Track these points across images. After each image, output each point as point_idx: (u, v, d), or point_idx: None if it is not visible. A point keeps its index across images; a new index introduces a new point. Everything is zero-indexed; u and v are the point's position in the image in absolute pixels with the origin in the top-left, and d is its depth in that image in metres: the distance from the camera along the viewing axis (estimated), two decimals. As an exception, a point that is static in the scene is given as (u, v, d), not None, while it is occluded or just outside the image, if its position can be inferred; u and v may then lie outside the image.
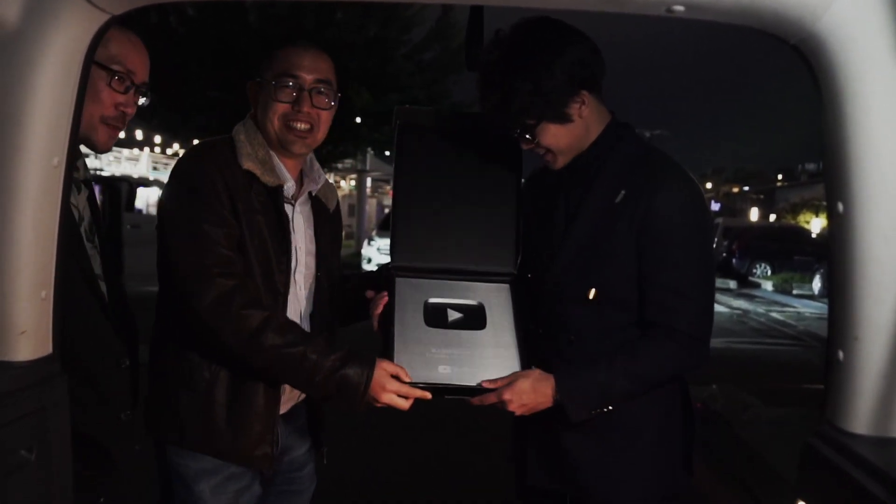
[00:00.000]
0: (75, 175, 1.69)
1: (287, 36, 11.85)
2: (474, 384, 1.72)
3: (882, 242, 1.20)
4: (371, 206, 33.46)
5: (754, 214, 40.85)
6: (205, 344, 1.76)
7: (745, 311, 14.10)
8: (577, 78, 1.73)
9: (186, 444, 1.81)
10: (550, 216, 1.88)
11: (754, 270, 20.61)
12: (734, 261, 20.57)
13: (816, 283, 17.43)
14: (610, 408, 1.74)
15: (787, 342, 10.57)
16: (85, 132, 1.66)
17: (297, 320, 1.85)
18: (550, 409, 1.72)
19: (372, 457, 4.55)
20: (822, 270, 17.00)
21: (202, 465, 1.81)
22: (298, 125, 1.82)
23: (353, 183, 32.26)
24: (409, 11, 16.02)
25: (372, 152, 23.17)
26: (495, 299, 1.88)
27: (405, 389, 1.69)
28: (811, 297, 16.85)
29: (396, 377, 1.69)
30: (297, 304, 1.88)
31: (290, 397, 1.90)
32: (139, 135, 35.23)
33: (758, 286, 19.62)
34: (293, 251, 1.85)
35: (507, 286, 1.91)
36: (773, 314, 13.89)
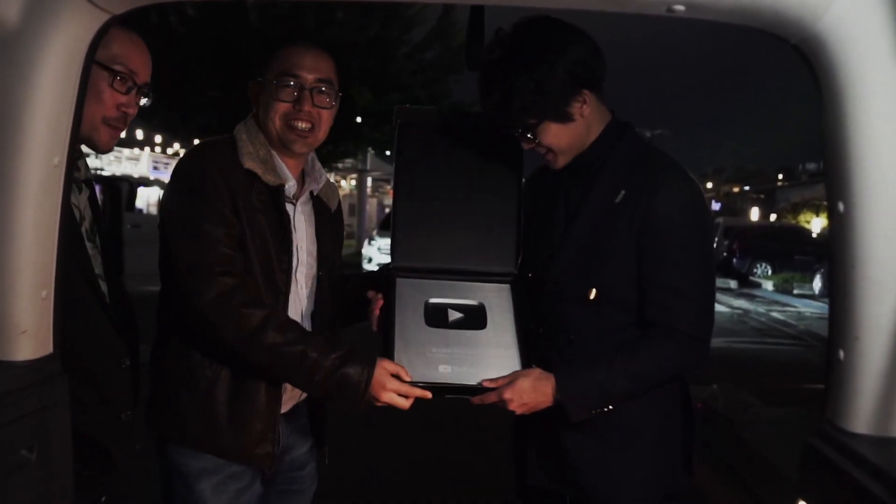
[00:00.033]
0: (76, 175, 1.69)
1: (288, 36, 11.86)
2: (475, 383, 1.72)
3: (883, 242, 1.20)
4: (372, 205, 33.48)
5: (755, 214, 40.85)
6: (206, 342, 1.76)
7: (746, 311, 14.10)
8: (578, 77, 1.73)
9: (187, 442, 1.81)
10: (550, 216, 1.88)
11: (755, 270, 20.61)
12: (735, 260, 20.57)
13: (817, 283, 17.42)
14: (610, 408, 1.74)
15: (787, 342, 10.57)
16: (87, 132, 1.66)
17: (299, 319, 1.85)
18: (550, 408, 1.72)
19: (372, 456, 4.55)
20: (822, 270, 17.00)
21: (203, 463, 1.81)
22: (300, 124, 1.82)
23: (353, 182, 32.27)
24: (409, 11, 16.02)
25: (373, 152, 23.20)
26: (496, 299, 1.88)
27: (405, 388, 1.69)
28: (812, 297, 16.85)
29: (397, 376, 1.69)
30: (298, 304, 1.88)
31: (291, 396, 1.90)
32: (140, 134, 35.22)
33: (758, 286, 19.61)
34: (294, 250, 1.86)
35: (507, 286, 1.91)
36: (774, 314, 13.88)
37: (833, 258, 1.29)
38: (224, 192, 1.75)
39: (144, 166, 35.06)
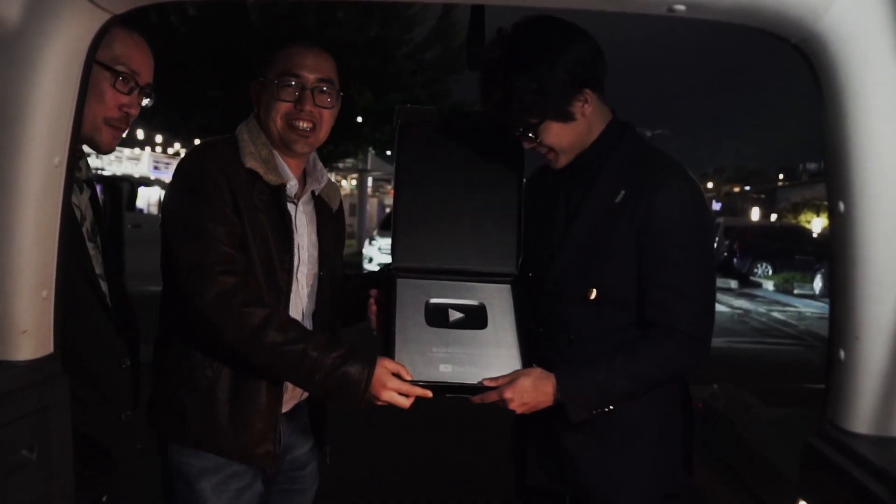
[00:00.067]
0: (77, 175, 1.69)
1: (288, 35, 11.86)
2: (475, 383, 1.72)
3: (883, 242, 1.20)
4: (372, 205, 33.48)
5: (755, 214, 40.83)
6: (207, 342, 1.76)
7: (747, 311, 14.10)
8: (579, 76, 1.73)
9: (188, 441, 1.81)
10: (551, 216, 1.88)
11: (755, 270, 20.60)
12: (735, 260, 20.57)
13: (817, 283, 17.42)
14: (611, 408, 1.74)
15: (788, 342, 10.56)
16: (88, 133, 1.66)
17: (300, 319, 1.85)
18: (551, 408, 1.72)
19: (372, 456, 4.55)
20: (823, 270, 16.99)
21: (204, 463, 1.81)
22: (301, 124, 1.83)
23: (354, 182, 32.28)
24: (410, 11, 16.03)
25: (373, 152, 23.20)
26: (496, 300, 1.88)
27: (406, 387, 1.69)
28: (812, 297, 16.85)
29: (397, 375, 1.69)
30: (300, 303, 1.88)
31: (292, 396, 1.90)
32: (140, 134, 35.22)
33: (759, 286, 19.61)
34: (295, 250, 1.86)
35: (508, 286, 1.91)
36: (775, 314, 13.88)
37: (833, 258, 1.29)
38: (225, 191, 1.75)
39: (145, 166, 35.08)
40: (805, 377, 6.25)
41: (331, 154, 17.73)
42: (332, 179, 2.05)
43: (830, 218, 1.29)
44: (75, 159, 1.44)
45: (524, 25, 1.74)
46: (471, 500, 4.07)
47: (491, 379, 1.72)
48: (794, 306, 15.28)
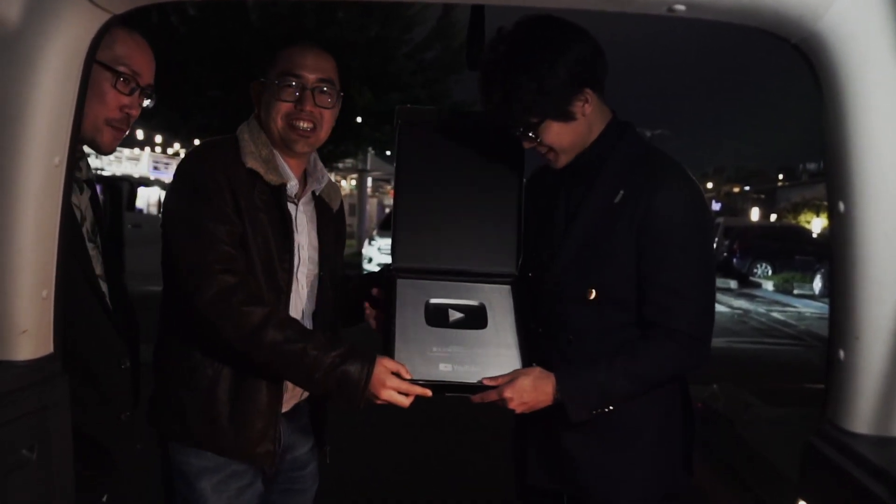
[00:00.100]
0: (78, 175, 1.69)
1: (288, 35, 11.87)
2: (475, 382, 1.72)
3: (883, 242, 1.20)
4: (372, 205, 33.47)
5: (755, 214, 40.83)
6: (207, 341, 1.77)
7: (746, 311, 14.10)
8: (579, 76, 1.73)
9: (189, 441, 1.82)
10: (551, 215, 1.88)
11: (755, 270, 20.60)
12: (735, 260, 20.56)
13: (817, 283, 17.42)
14: (611, 408, 1.74)
15: (787, 342, 10.57)
16: (90, 134, 1.66)
17: (300, 319, 1.86)
18: (551, 408, 1.72)
19: (372, 455, 4.55)
20: (822, 270, 17.00)
21: (204, 462, 1.81)
22: (301, 124, 1.83)
23: (353, 182, 32.27)
24: (410, 11, 16.03)
25: (373, 152, 23.19)
26: (496, 300, 1.88)
27: (405, 386, 1.69)
28: (812, 297, 16.85)
29: (397, 374, 1.69)
30: (300, 303, 1.89)
31: (292, 395, 1.90)
32: (140, 134, 35.21)
33: (759, 286, 19.61)
34: (296, 249, 1.86)
35: (508, 287, 1.91)
36: (774, 314, 13.88)
37: (833, 258, 1.29)
38: (226, 191, 1.75)
39: (145, 166, 35.08)
40: (805, 377, 6.25)
41: (331, 154, 17.73)
42: (332, 179, 2.05)
43: (830, 218, 1.29)
44: (75, 159, 1.44)
45: (524, 25, 1.73)
46: (470, 499, 4.08)
47: (491, 378, 1.72)
48: (794, 306, 15.28)
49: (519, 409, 1.71)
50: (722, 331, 10.41)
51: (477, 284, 1.91)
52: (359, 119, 16.03)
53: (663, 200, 1.72)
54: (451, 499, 4.09)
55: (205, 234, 1.72)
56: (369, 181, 30.19)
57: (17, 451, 1.27)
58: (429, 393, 1.70)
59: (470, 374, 1.73)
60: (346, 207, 2.19)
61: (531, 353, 1.78)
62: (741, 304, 15.28)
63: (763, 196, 52.33)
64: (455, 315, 1.84)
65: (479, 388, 1.72)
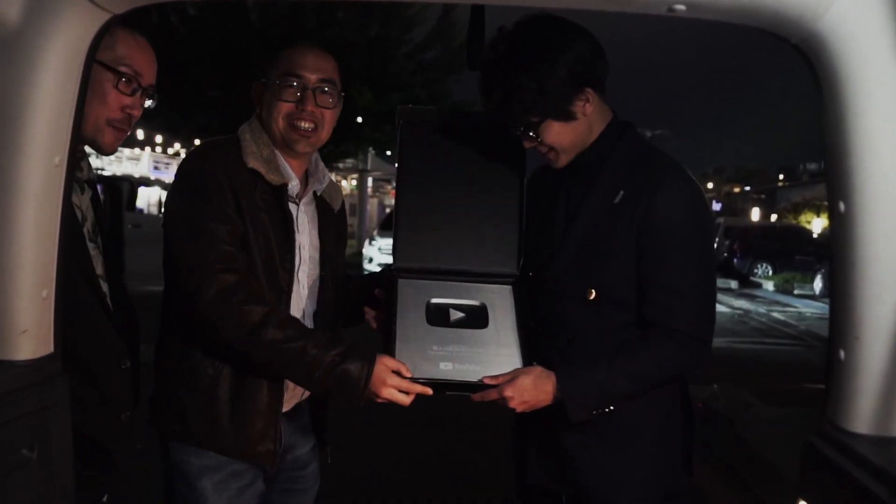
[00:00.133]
0: (79, 175, 1.69)
1: (288, 35, 11.86)
2: (476, 380, 1.72)
3: (884, 242, 1.20)
4: (372, 205, 33.46)
5: (755, 214, 40.83)
6: (208, 340, 1.77)
7: (747, 311, 14.10)
8: (580, 75, 1.72)
9: (189, 440, 1.82)
10: (551, 215, 1.88)
11: (755, 270, 20.60)
12: (735, 261, 20.56)
13: (818, 283, 17.42)
14: (611, 408, 1.74)
15: (788, 342, 10.57)
16: (91, 134, 1.66)
17: (301, 319, 1.86)
18: (551, 408, 1.72)
19: (372, 454, 4.55)
20: (823, 270, 17.00)
21: (205, 461, 1.81)
22: (303, 124, 1.83)
23: (354, 182, 32.27)
24: (410, 11, 16.02)
25: (373, 152, 23.18)
26: (498, 300, 1.88)
27: (406, 385, 1.69)
28: (812, 297, 16.85)
29: (398, 372, 1.69)
30: (300, 303, 1.89)
31: (293, 395, 1.90)
32: (140, 134, 35.21)
33: (759, 286, 19.60)
34: (297, 249, 1.86)
35: (509, 287, 1.91)
36: (775, 314, 13.88)
37: (834, 258, 1.29)
38: (227, 191, 1.75)
39: (145, 166, 35.09)
40: (805, 377, 6.25)
41: (331, 154, 17.72)
42: (333, 180, 2.05)
43: (831, 218, 1.29)
44: (76, 159, 1.44)
45: (524, 24, 1.73)
46: (471, 498, 4.08)
47: (491, 377, 1.72)
48: (794, 306, 15.28)
49: (519, 408, 1.71)
50: (722, 331, 10.40)
51: (478, 284, 1.91)
52: (359, 119, 16.03)
53: (663, 200, 1.72)
54: (452, 498, 4.09)
55: (206, 234, 1.72)
56: (370, 181, 30.18)
57: (17, 451, 1.27)
58: (429, 391, 1.70)
59: (471, 372, 1.73)
60: (346, 207, 2.19)
61: (532, 352, 1.78)
62: (741, 304, 15.28)
63: (763, 196, 52.32)
64: (456, 315, 1.84)
65: (479, 386, 1.72)
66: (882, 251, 1.21)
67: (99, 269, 1.73)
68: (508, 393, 1.69)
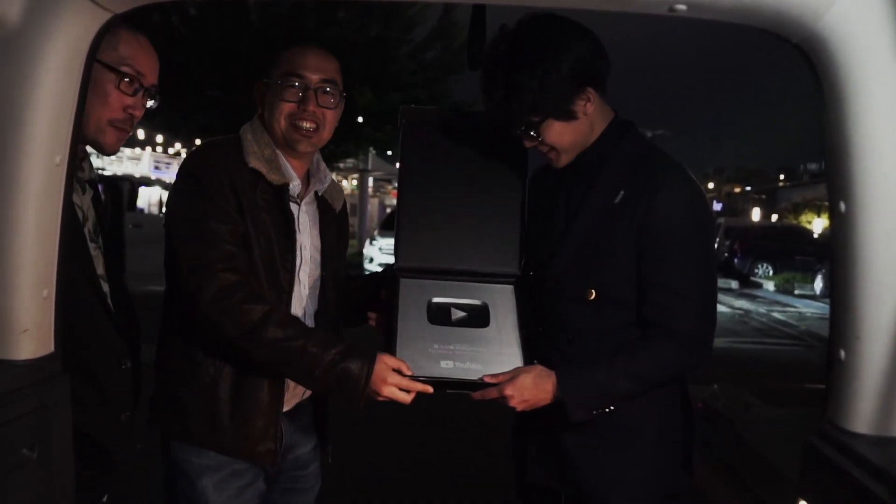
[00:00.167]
0: (80, 175, 1.69)
1: (288, 35, 11.86)
2: (476, 379, 1.72)
3: (884, 241, 1.20)
4: (373, 205, 33.44)
5: (756, 214, 40.81)
6: (209, 340, 1.77)
7: (747, 311, 14.09)
8: (581, 74, 1.72)
9: (190, 439, 1.82)
10: (552, 215, 1.88)
11: (756, 270, 20.59)
12: (736, 261, 20.55)
13: (818, 284, 17.42)
14: (611, 408, 1.74)
15: (788, 342, 10.57)
16: (93, 135, 1.66)
17: (302, 319, 1.86)
18: (551, 407, 1.72)
19: (372, 453, 4.55)
20: (823, 271, 17.00)
21: (205, 460, 1.81)
22: (304, 124, 1.83)
23: (354, 182, 32.27)
24: (410, 11, 16.01)
25: (374, 152, 23.17)
26: (499, 300, 1.89)
27: (406, 383, 1.69)
28: (813, 298, 16.84)
29: (398, 371, 1.69)
30: (301, 303, 1.89)
31: (294, 394, 1.90)
32: (141, 134, 35.20)
33: (759, 286, 19.60)
34: (298, 249, 1.86)
35: (510, 287, 1.91)
36: (775, 314, 13.88)
37: (834, 258, 1.29)
38: (228, 190, 1.76)
39: (146, 166, 35.10)
40: (805, 377, 6.25)
41: (332, 154, 17.71)
42: (335, 180, 2.05)
43: (831, 218, 1.29)
44: (77, 159, 1.44)
45: (526, 23, 1.73)
46: (471, 497, 4.08)
47: (492, 375, 1.72)
48: (795, 307, 15.27)
49: (519, 407, 1.71)
50: (723, 331, 10.40)
51: (480, 284, 1.91)
52: (360, 119, 16.02)
53: (664, 200, 1.72)
54: (452, 496, 4.09)
55: (207, 234, 1.72)
56: (370, 181, 30.15)
57: (17, 451, 1.27)
58: (430, 389, 1.71)
59: (471, 371, 1.73)
60: (347, 207, 2.19)
61: (533, 352, 1.78)
62: (742, 304, 15.27)
63: (764, 196, 52.31)
64: (457, 314, 1.85)
65: (480, 385, 1.72)
66: (883, 251, 1.21)
67: (100, 270, 1.73)
68: (508, 391, 1.69)
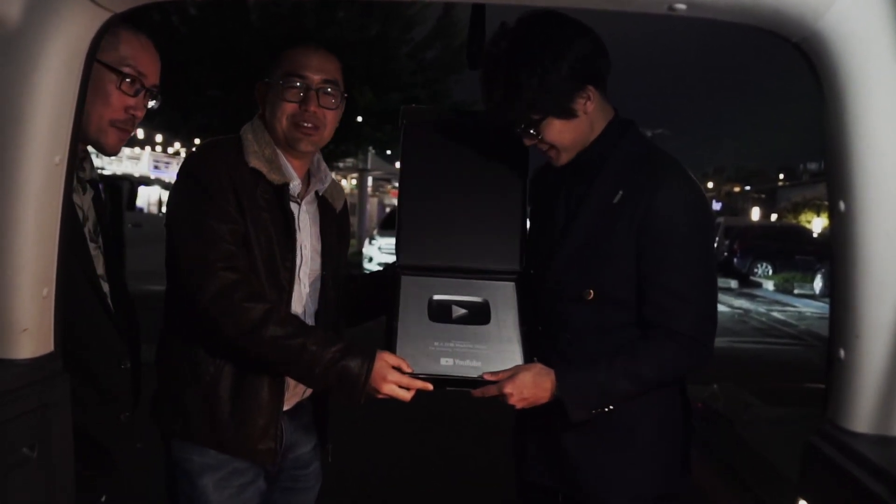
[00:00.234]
0: (81, 175, 1.69)
1: (288, 35, 11.86)
2: (476, 376, 1.72)
3: (884, 241, 1.20)
4: (372, 205, 33.44)
5: (756, 214, 40.81)
6: (209, 339, 1.77)
7: (747, 311, 14.09)
8: (581, 72, 1.72)
9: (191, 438, 1.82)
10: (552, 213, 1.88)
11: (756, 270, 20.60)
12: (736, 260, 20.56)
13: (818, 283, 17.42)
14: (611, 408, 1.73)
15: (788, 341, 10.57)
16: (94, 135, 1.66)
17: (302, 318, 1.86)
18: (551, 406, 1.72)
19: (372, 451, 4.56)
20: (823, 270, 17.00)
21: (206, 459, 1.82)
22: (305, 124, 1.83)
23: (354, 182, 32.25)
24: (410, 10, 16.01)
25: (373, 151, 23.17)
26: (500, 297, 1.89)
27: (406, 380, 1.69)
28: (812, 297, 16.85)
29: (398, 368, 1.70)
30: (302, 302, 1.89)
31: (294, 393, 1.91)
32: (140, 134, 35.17)
33: (759, 286, 19.60)
34: (298, 249, 1.86)
35: (512, 284, 1.91)
36: (775, 314, 13.88)
37: (834, 257, 1.29)
38: (229, 190, 1.76)
39: (145, 165, 35.08)
40: (805, 377, 6.24)
41: (331, 154, 17.69)
42: (335, 179, 2.06)
43: (831, 217, 1.29)
44: (77, 158, 1.44)
45: (526, 21, 1.73)
46: (471, 494, 4.08)
47: (491, 373, 1.72)
48: (795, 306, 15.28)
49: (519, 405, 1.71)
50: (722, 330, 10.38)
51: (481, 281, 1.91)
52: (359, 119, 16.02)
53: (664, 200, 1.72)
54: (452, 494, 4.10)
55: (207, 233, 1.73)
56: (370, 180, 30.16)
57: (17, 450, 1.27)
58: (430, 387, 1.71)
59: (471, 368, 1.74)
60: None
61: (533, 350, 1.78)
62: (742, 303, 15.28)
63: (763, 196, 52.30)
64: (458, 311, 1.85)
65: (479, 382, 1.72)
66: (882, 250, 1.21)
67: (100, 269, 1.73)
68: (508, 389, 1.69)
